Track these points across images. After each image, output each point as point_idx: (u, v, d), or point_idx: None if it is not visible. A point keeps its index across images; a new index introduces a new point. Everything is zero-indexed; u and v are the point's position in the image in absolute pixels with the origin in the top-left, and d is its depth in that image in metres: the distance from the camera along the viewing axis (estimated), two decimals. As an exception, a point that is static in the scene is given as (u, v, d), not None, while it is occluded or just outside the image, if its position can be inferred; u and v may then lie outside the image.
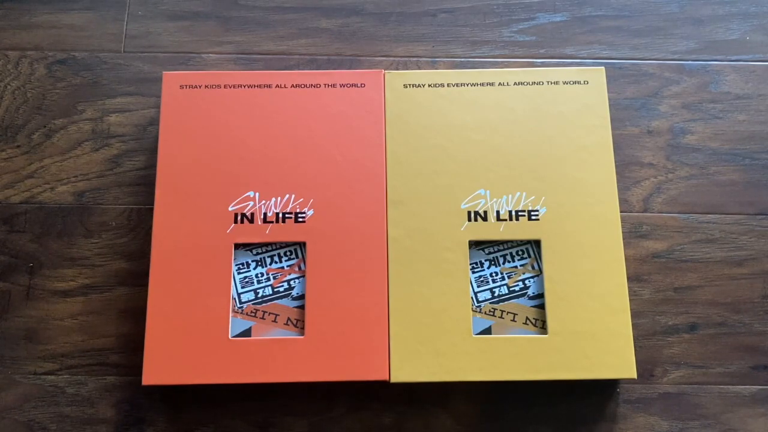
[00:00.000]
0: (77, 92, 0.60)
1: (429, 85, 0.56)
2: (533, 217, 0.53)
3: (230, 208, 0.52)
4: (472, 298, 0.52)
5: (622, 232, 0.54)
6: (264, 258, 0.53)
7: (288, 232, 0.52)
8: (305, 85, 0.55)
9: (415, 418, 0.52)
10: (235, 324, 0.51)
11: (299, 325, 0.51)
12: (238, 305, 0.51)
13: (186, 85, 0.55)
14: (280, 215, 0.52)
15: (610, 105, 0.56)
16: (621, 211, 0.55)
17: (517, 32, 0.62)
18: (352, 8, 0.63)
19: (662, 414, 0.53)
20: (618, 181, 0.55)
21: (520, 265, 0.53)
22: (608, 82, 0.58)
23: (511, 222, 0.52)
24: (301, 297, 0.52)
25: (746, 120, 0.60)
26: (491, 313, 0.52)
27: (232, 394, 0.53)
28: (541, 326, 0.51)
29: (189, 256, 0.51)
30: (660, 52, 0.62)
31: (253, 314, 0.51)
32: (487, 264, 0.53)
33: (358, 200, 0.53)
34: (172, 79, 0.55)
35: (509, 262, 0.53)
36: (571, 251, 0.52)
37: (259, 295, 0.52)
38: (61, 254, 0.56)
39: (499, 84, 0.56)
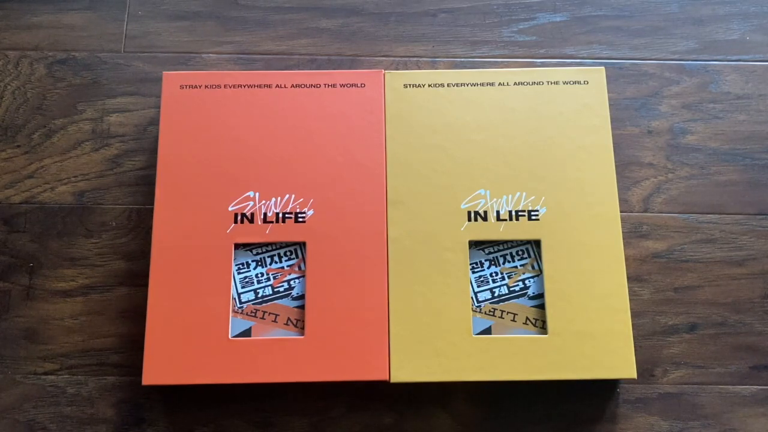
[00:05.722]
0: (77, 92, 0.60)
1: (429, 85, 0.56)
2: (533, 217, 0.53)
3: (230, 208, 0.52)
4: (472, 298, 0.52)
5: (622, 232, 0.54)
6: (264, 258, 0.53)
7: (288, 232, 0.52)
8: (305, 85, 0.55)
9: (415, 418, 0.52)
10: (235, 324, 0.51)
11: (299, 325, 0.51)
12: (238, 305, 0.51)
13: (186, 85, 0.55)
14: (280, 215, 0.52)
15: (610, 105, 0.56)
16: (621, 211, 0.55)
17: (517, 32, 0.62)
18: (352, 8, 0.63)
19: (662, 414, 0.53)
20: (618, 181, 0.55)
21: (520, 265, 0.53)
22: (608, 82, 0.58)
23: (511, 222, 0.52)
24: (301, 297, 0.52)
25: (746, 120, 0.60)
26: (491, 313, 0.52)
27: (232, 394, 0.53)
28: (541, 326, 0.51)
29: (189, 256, 0.51)
30: (660, 52, 0.62)
31: (253, 314, 0.51)
32: (487, 264, 0.53)
33: (358, 200, 0.53)
34: (172, 79, 0.55)
35: (509, 262, 0.53)
36: (571, 251, 0.52)
37: (259, 295, 0.52)
38: (61, 254, 0.56)
39: (499, 84, 0.56)
